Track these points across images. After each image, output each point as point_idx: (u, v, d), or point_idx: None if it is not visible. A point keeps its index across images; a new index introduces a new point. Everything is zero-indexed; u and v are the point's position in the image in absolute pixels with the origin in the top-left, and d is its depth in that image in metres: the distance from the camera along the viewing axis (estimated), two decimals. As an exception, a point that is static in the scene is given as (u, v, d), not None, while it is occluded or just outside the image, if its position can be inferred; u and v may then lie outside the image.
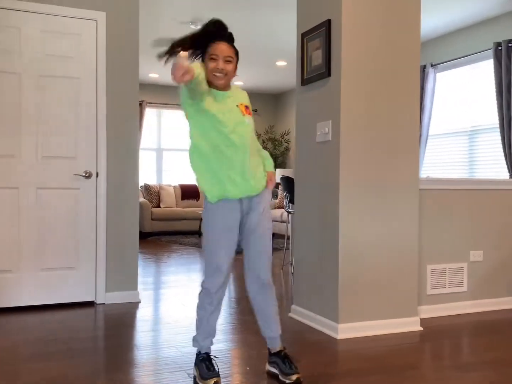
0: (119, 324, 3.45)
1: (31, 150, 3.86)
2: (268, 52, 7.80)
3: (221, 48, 2.27)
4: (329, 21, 3.29)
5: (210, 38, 2.29)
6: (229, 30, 2.35)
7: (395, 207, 3.34)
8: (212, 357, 2.44)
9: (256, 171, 2.35)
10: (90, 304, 4.01)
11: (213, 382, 2.30)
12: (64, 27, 3.94)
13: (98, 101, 4.03)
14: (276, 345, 2.49)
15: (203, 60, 2.32)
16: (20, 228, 3.82)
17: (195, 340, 2.45)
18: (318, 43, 3.40)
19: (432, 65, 6.97)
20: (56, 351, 2.87)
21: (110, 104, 4.07)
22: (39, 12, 3.86)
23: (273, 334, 2.49)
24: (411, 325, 3.37)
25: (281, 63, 8.43)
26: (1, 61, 3.77)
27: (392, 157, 3.34)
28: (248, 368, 2.64)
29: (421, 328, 3.39)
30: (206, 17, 6.11)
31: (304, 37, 3.57)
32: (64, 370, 2.57)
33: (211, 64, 2.26)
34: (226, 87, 2.33)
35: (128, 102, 4.13)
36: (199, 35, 2.30)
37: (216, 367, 2.41)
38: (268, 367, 2.53)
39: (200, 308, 2.41)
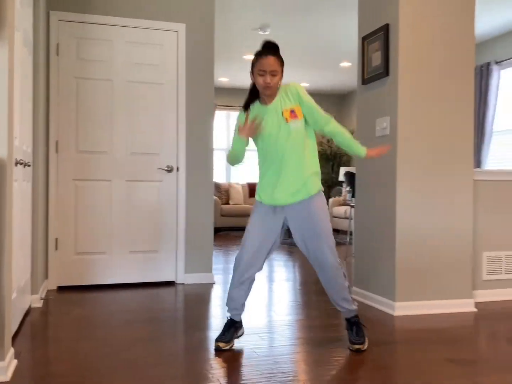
0: (197, 300, 3.91)
1: (121, 147, 4.41)
2: (332, 54, 8.10)
3: (267, 63, 2.56)
4: (387, 25, 3.59)
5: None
6: (275, 43, 2.66)
7: (450, 196, 3.59)
8: (236, 325, 2.78)
9: (289, 184, 2.64)
10: (171, 283, 4.51)
11: (216, 345, 2.70)
12: (149, 38, 4.46)
13: (178, 104, 4.52)
14: (346, 315, 2.79)
15: (252, 72, 2.66)
16: (112, 215, 4.38)
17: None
18: (378, 45, 3.71)
19: (496, 62, 7.02)
20: (145, 318, 3.35)
21: (189, 106, 4.56)
22: (128, 26, 4.40)
23: (340, 309, 2.78)
24: (465, 306, 3.60)
25: (345, 64, 8.70)
26: (97, 69, 4.34)
27: (447, 150, 3.59)
28: (312, 334, 3.00)
29: (476, 310, 3.61)
30: (274, 23, 6.53)
31: (365, 40, 3.89)
32: (152, 331, 3.04)
33: (260, 79, 2.58)
34: (272, 95, 2.66)
35: (204, 105, 4.60)
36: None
37: (230, 336, 2.74)
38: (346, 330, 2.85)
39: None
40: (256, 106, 2.72)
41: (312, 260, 2.69)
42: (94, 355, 2.59)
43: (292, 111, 2.63)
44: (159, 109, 4.49)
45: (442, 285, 3.57)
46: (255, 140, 2.74)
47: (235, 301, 2.75)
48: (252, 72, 2.64)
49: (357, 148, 2.67)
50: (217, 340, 2.72)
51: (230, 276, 4.98)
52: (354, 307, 2.78)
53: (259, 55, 2.59)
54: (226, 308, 2.89)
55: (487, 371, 2.41)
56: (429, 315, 3.48)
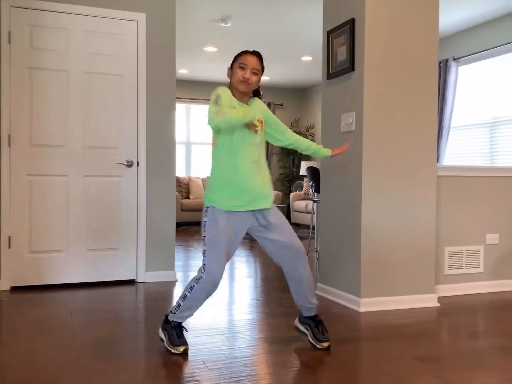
0: (159, 298, 3.80)
1: (78, 141, 4.22)
2: (293, 48, 8.06)
3: (250, 59, 2.51)
4: (353, 19, 3.56)
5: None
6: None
7: (414, 192, 3.60)
8: (183, 327, 2.67)
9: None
10: (131, 282, 4.38)
11: (182, 349, 2.57)
12: (108, 27, 4.29)
13: (138, 96, 4.37)
14: (314, 312, 2.73)
15: (231, 67, 2.57)
16: (69, 212, 4.20)
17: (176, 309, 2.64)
18: (343, 40, 3.68)
19: (454, 59, 7.15)
20: (105, 318, 3.22)
21: (150, 98, 4.41)
22: (85, 14, 4.21)
23: (309, 305, 2.70)
24: (428, 301, 3.63)
25: (306, 58, 8.68)
26: (51, 59, 4.14)
27: (412, 146, 3.60)
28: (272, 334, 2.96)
29: (438, 304, 3.65)
30: (235, 15, 6.43)
31: (330, 35, 3.85)
32: (113, 332, 2.92)
33: (239, 72, 2.50)
34: (245, 96, 2.56)
35: (166, 96, 4.46)
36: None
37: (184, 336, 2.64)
38: (298, 325, 2.79)
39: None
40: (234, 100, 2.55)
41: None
42: (52, 360, 2.45)
43: (261, 122, 2.60)
44: (118, 102, 4.33)
45: (406, 280, 3.59)
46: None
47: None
48: (232, 67, 2.56)
49: (322, 151, 2.82)
50: (179, 345, 2.59)
51: (192, 273, 4.88)
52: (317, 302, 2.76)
53: (244, 52, 2.55)
54: (178, 315, 2.63)
55: (453, 368, 2.42)
56: (394, 311, 3.49)
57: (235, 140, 2.50)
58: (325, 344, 2.66)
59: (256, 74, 2.52)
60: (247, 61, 2.51)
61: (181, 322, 2.65)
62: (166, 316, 2.67)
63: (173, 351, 2.58)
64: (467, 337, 2.93)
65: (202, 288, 2.51)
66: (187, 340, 2.70)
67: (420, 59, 3.61)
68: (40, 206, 4.12)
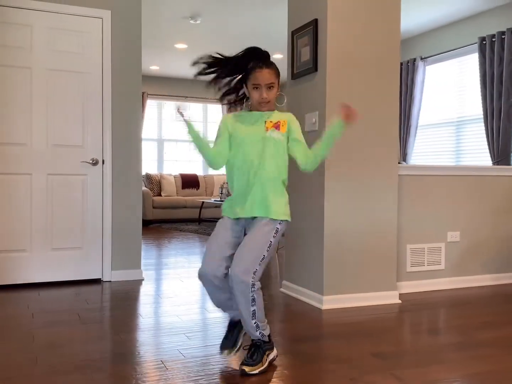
0: (125, 298, 3.79)
1: (41, 139, 4.17)
2: (264, 45, 7.94)
3: (262, 76, 2.33)
4: (316, 20, 3.59)
5: (248, 61, 2.39)
6: (264, 51, 2.45)
7: (375, 191, 3.66)
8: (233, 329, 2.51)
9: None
10: (97, 281, 4.35)
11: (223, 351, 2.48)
12: (72, 24, 4.24)
13: (104, 94, 4.34)
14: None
15: (243, 83, 2.43)
16: (32, 211, 4.15)
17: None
18: (307, 40, 3.71)
19: (421, 58, 7.27)
20: (68, 319, 3.20)
21: (115, 96, 4.38)
22: (49, 11, 4.16)
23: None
24: (390, 298, 3.70)
25: (277, 56, 8.71)
26: (14, 56, 4.08)
27: (373, 145, 3.66)
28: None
29: (400, 301, 3.72)
30: (205, 12, 6.42)
31: (294, 35, 3.88)
32: (75, 334, 2.91)
33: (255, 94, 2.35)
34: (268, 110, 2.42)
35: (132, 94, 4.44)
36: (237, 59, 2.42)
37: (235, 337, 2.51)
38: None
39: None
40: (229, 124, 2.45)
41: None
42: (11, 362, 2.43)
43: (277, 124, 2.42)
44: (82, 99, 4.29)
45: (369, 278, 3.65)
46: None
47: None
48: (245, 84, 2.42)
49: (335, 134, 2.42)
50: (221, 347, 2.49)
51: (162, 271, 4.88)
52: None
53: (252, 68, 2.35)
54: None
55: (406, 364, 2.48)
56: (356, 308, 3.55)
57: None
58: (246, 369, 2.33)
59: (272, 87, 2.36)
60: (258, 80, 2.33)
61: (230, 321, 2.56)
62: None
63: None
64: (426, 333, 3.00)
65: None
66: (151, 340, 2.70)
67: (382, 60, 3.66)
68: (3, 205, 4.06)
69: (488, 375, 2.35)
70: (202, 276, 2.35)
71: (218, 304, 2.48)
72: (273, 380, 2.28)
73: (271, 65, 2.38)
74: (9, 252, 4.09)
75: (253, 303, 2.27)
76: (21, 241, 4.13)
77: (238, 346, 2.50)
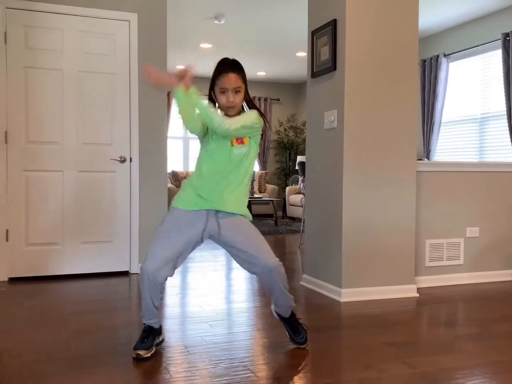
0: (151, 289, 3.95)
1: (72, 137, 4.37)
2: (288, 44, 8.18)
3: (228, 80, 2.35)
4: (335, 20, 3.69)
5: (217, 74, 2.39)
6: (234, 60, 2.44)
7: (395, 187, 3.75)
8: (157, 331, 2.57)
9: None
10: (125, 273, 4.54)
11: (136, 353, 2.45)
12: (101, 27, 4.43)
13: (131, 94, 4.52)
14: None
15: (211, 91, 2.44)
16: (64, 206, 4.36)
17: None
18: (326, 40, 3.81)
19: (445, 55, 7.26)
20: (98, 308, 3.38)
21: (142, 96, 4.55)
22: (79, 15, 4.35)
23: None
24: (408, 291, 3.78)
25: (301, 54, 8.80)
26: (46, 59, 4.28)
27: (392, 142, 3.74)
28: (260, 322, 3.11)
29: (418, 295, 3.80)
30: (229, 12, 6.55)
31: (314, 34, 3.98)
32: (105, 321, 3.08)
33: (222, 99, 2.38)
34: (236, 114, 2.43)
35: (158, 94, 4.60)
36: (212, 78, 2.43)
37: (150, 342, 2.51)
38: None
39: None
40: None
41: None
42: (45, 348, 2.61)
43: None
44: (111, 99, 4.47)
45: (387, 271, 3.74)
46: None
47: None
48: (213, 90, 2.44)
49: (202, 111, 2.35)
50: (136, 348, 2.48)
51: (187, 264, 5.04)
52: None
53: (218, 73, 2.38)
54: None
55: (420, 353, 2.57)
56: (373, 301, 3.64)
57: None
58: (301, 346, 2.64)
59: (239, 91, 2.39)
60: (225, 83, 2.36)
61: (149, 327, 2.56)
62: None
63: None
64: (442, 325, 3.08)
65: None
66: (176, 327, 2.85)
67: (400, 58, 3.74)
68: (36, 201, 4.28)
69: (504, 364, 2.42)
70: None
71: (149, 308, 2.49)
72: (292, 365, 2.40)
73: (237, 69, 2.39)
74: (42, 245, 4.31)
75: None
76: (54, 235, 4.34)
77: (153, 351, 2.51)
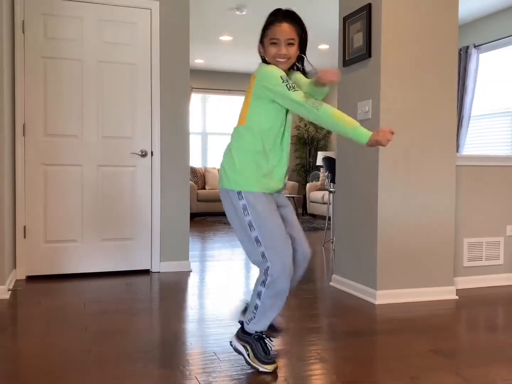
0: (173, 289, 3.78)
1: (92, 130, 4.21)
2: (310, 36, 7.89)
3: (281, 30, 2.12)
4: (369, 5, 3.47)
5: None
6: (291, 11, 2.22)
7: (432, 182, 3.52)
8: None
9: None
10: (146, 272, 4.37)
11: (273, 368, 2.20)
12: (121, 16, 4.25)
13: (152, 86, 4.33)
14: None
15: (261, 42, 2.22)
16: (83, 202, 4.19)
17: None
18: (359, 26, 3.58)
19: (475, 46, 6.98)
20: (120, 309, 3.21)
21: (163, 88, 4.37)
22: (98, 3, 4.18)
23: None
24: (446, 293, 3.55)
25: (323, 47, 8.56)
26: (65, 48, 4.12)
27: (430, 135, 3.50)
28: (292, 324, 2.91)
29: (457, 297, 3.56)
30: (251, 3, 6.34)
31: (346, 21, 3.76)
32: (127, 324, 2.91)
33: (273, 50, 2.14)
34: (286, 69, 2.21)
35: (180, 86, 4.42)
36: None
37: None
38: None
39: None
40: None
41: None
42: (65, 350, 2.44)
43: None
44: (131, 91, 4.30)
45: (424, 272, 3.52)
46: None
47: None
48: (262, 42, 2.20)
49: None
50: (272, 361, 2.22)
51: (209, 263, 4.86)
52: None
53: (269, 23, 2.15)
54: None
55: (471, 363, 2.35)
56: (410, 303, 3.42)
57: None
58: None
59: (292, 44, 2.14)
60: (277, 34, 2.12)
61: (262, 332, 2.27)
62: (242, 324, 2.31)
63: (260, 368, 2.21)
64: (486, 330, 2.86)
65: None
66: (202, 331, 2.67)
67: (438, 45, 3.50)
68: (55, 196, 4.13)
69: (561, 377, 2.20)
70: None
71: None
72: (332, 375, 2.20)
73: (292, 19, 2.15)
74: (61, 242, 4.15)
75: None
76: (73, 232, 4.18)
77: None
